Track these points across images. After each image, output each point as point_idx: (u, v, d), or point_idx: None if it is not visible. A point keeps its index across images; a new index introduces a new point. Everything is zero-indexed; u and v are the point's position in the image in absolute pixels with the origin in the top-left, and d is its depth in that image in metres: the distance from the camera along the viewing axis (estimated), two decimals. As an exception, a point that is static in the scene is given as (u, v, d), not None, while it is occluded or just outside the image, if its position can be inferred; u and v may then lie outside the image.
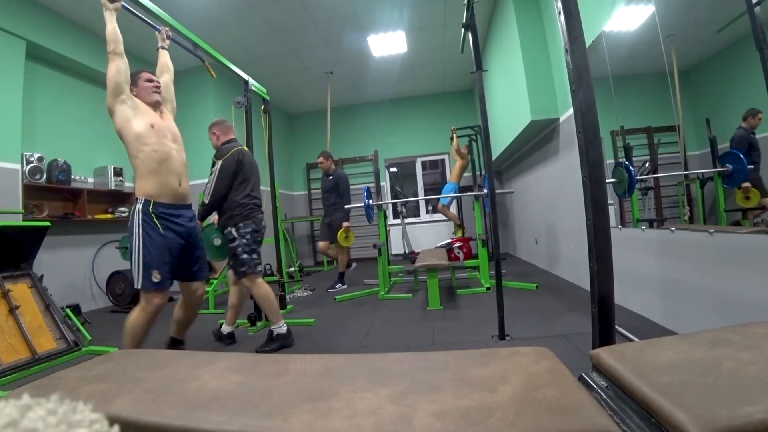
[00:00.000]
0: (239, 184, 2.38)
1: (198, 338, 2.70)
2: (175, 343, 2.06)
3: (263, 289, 2.34)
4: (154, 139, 1.76)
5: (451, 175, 5.36)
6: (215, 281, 3.89)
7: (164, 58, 2.16)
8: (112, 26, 1.72)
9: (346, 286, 4.31)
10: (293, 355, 1.00)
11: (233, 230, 2.34)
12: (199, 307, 2.06)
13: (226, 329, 2.56)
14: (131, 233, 1.74)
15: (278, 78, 5.97)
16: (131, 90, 1.80)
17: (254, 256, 2.35)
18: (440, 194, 5.22)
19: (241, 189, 2.38)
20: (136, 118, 1.74)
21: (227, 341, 2.53)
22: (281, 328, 2.35)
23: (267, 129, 3.35)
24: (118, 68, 1.70)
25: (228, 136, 2.52)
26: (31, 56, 3.61)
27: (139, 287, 1.73)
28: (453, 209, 5.74)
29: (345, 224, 4.09)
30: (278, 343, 2.32)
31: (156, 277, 1.71)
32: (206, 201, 2.36)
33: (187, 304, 2.01)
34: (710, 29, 2.00)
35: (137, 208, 1.74)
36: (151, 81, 1.87)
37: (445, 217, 7.09)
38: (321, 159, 4.30)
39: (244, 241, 2.33)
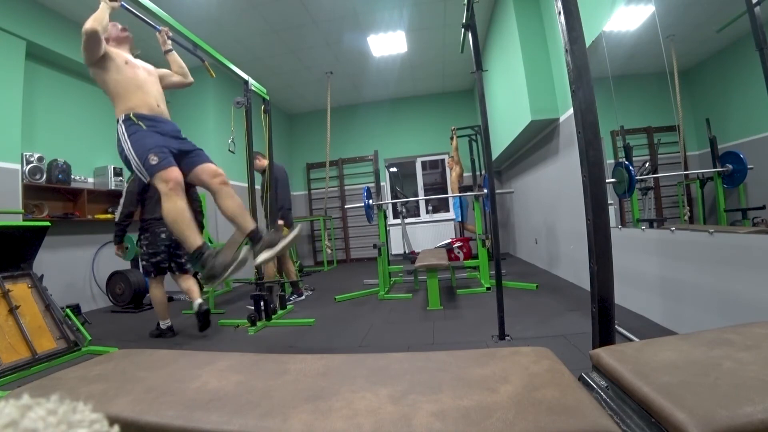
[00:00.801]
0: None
1: (198, 338, 2.71)
2: (254, 239, 1.77)
3: (153, 292, 2.84)
4: (129, 72, 1.80)
5: (453, 188, 5.41)
6: (215, 281, 3.88)
7: (175, 62, 2.14)
8: (104, 15, 1.69)
9: (303, 297, 3.94)
10: (293, 355, 1.00)
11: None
12: (232, 193, 1.84)
13: (163, 324, 2.83)
14: (121, 149, 1.71)
15: (278, 78, 5.97)
16: (106, 41, 1.79)
17: (152, 261, 2.80)
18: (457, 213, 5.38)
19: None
20: (110, 61, 1.76)
21: (168, 335, 2.81)
22: (165, 323, 2.83)
23: (267, 129, 3.35)
24: (95, 51, 1.69)
25: None
26: (31, 56, 3.61)
27: (146, 179, 1.66)
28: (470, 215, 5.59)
29: (279, 222, 3.60)
30: (158, 332, 2.83)
31: (153, 159, 1.64)
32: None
33: (217, 196, 1.83)
34: (710, 29, 2.00)
35: (119, 124, 1.72)
36: (123, 30, 1.91)
37: (445, 218, 7.12)
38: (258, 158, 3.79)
39: (143, 250, 2.85)
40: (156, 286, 2.83)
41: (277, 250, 1.77)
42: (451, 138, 5.37)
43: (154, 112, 1.82)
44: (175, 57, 2.15)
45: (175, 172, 1.67)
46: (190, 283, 2.82)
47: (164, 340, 2.75)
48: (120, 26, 1.92)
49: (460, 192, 5.08)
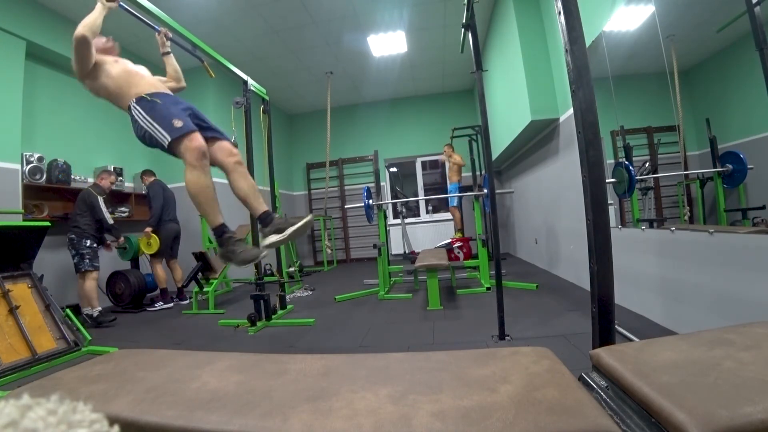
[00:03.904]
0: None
1: (198, 338, 2.71)
2: (264, 222, 1.75)
3: (82, 284, 3.33)
4: (124, 66, 1.79)
5: (452, 176, 5.52)
6: (215, 281, 3.89)
7: (171, 65, 2.11)
8: (98, 18, 1.65)
9: (171, 305, 3.94)
10: (293, 355, 1.00)
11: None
12: (246, 173, 1.82)
13: (94, 312, 3.25)
14: (139, 127, 1.65)
15: (278, 78, 5.97)
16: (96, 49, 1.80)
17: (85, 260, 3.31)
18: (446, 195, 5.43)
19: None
20: (101, 67, 1.74)
21: (108, 321, 3.25)
22: (94, 311, 3.27)
23: (266, 129, 3.35)
24: (85, 61, 1.67)
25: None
26: (31, 56, 3.61)
27: (168, 145, 1.57)
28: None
29: (147, 229, 3.84)
30: (95, 321, 3.23)
31: (177, 122, 1.57)
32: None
33: (231, 174, 1.78)
34: (710, 29, 2.00)
35: (133, 106, 1.67)
36: (108, 41, 1.89)
37: (445, 218, 7.12)
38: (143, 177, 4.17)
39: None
40: (85, 279, 3.33)
41: (286, 236, 1.72)
42: (450, 145, 5.53)
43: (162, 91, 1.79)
44: (172, 60, 2.13)
45: (200, 140, 1.58)
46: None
47: (165, 338, 2.75)
48: (104, 38, 1.89)
49: (460, 191, 5.10)
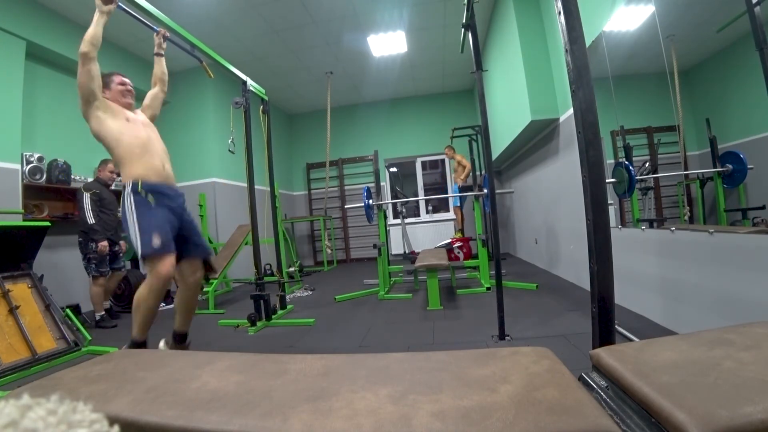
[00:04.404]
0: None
1: (198, 338, 2.70)
2: (178, 339, 2.00)
3: (90, 287, 3.26)
4: (132, 131, 1.80)
5: (455, 177, 5.68)
6: (215, 281, 3.89)
7: (160, 66, 2.15)
8: (97, 30, 1.68)
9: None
10: (293, 355, 1.00)
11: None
12: (198, 294, 1.99)
13: (97, 316, 3.23)
14: (125, 217, 1.72)
15: (278, 78, 5.97)
16: (104, 92, 1.80)
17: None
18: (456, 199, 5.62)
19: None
20: (111, 118, 1.76)
21: (109, 326, 3.19)
22: (97, 315, 3.25)
23: (266, 129, 3.35)
24: (91, 74, 1.68)
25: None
26: (31, 56, 3.61)
27: (141, 256, 1.68)
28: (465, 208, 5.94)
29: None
30: (97, 324, 3.21)
31: (156, 240, 1.66)
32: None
33: (183, 288, 1.95)
34: (710, 29, 2.00)
35: (127, 191, 1.73)
36: (123, 84, 1.90)
37: (445, 218, 7.13)
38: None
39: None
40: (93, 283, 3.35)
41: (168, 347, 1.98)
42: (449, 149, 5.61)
43: (161, 178, 1.82)
44: (162, 62, 2.16)
45: (168, 266, 1.69)
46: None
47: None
48: (119, 80, 1.90)
49: (461, 191, 5.10)
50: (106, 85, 1.84)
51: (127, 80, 1.95)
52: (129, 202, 1.72)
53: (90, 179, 4.16)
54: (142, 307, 1.70)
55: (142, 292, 1.70)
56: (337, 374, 0.87)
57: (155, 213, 1.73)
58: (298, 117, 7.85)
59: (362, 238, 7.32)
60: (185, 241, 1.89)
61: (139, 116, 1.95)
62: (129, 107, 1.91)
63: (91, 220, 3.14)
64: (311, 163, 7.64)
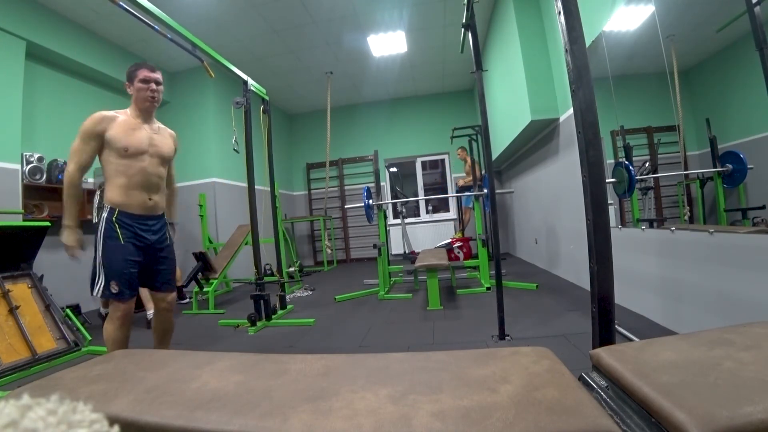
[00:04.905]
0: None
1: (198, 338, 2.71)
2: None
3: None
4: (127, 160, 1.72)
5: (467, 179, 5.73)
6: (215, 281, 3.89)
7: (171, 172, 2.02)
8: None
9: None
10: (293, 355, 1.00)
11: None
12: (170, 317, 1.98)
13: (103, 312, 3.20)
14: (95, 240, 1.71)
15: (278, 78, 5.97)
16: (128, 87, 1.74)
17: None
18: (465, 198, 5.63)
19: None
20: (109, 149, 1.74)
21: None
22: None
23: (266, 129, 3.35)
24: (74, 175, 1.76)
25: None
26: (31, 56, 3.61)
27: (96, 295, 1.73)
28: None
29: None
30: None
31: (114, 288, 1.67)
32: None
33: (156, 312, 1.96)
34: (710, 29, 2.00)
35: (103, 215, 1.71)
36: (146, 82, 1.71)
37: (445, 218, 7.13)
38: None
39: None
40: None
41: None
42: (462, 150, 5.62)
43: (144, 208, 1.74)
44: (171, 168, 2.01)
45: (125, 310, 1.71)
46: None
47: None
48: (143, 75, 1.70)
49: (461, 191, 5.10)
50: (130, 78, 1.73)
51: (153, 75, 1.73)
52: (101, 229, 1.70)
53: (90, 179, 4.18)
54: (111, 341, 1.71)
55: (107, 329, 1.71)
56: (337, 374, 0.87)
57: (121, 253, 1.68)
58: (298, 117, 7.85)
59: (362, 238, 7.32)
60: (153, 274, 1.85)
61: (157, 135, 1.80)
62: (147, 114, 1.78)
63: (96, 219, 3.14)
64: (311, 163, 7.64)
